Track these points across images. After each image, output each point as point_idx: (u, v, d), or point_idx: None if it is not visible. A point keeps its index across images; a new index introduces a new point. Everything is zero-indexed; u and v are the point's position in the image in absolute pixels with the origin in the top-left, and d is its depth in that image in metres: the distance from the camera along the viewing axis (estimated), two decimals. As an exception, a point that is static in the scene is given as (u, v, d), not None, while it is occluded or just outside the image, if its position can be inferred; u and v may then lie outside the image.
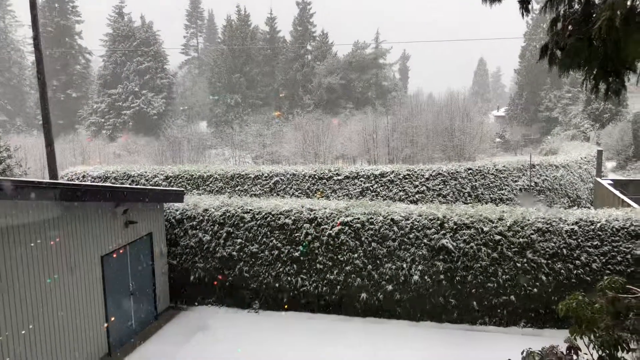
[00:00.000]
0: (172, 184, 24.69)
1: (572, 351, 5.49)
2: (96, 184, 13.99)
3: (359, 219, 14.23)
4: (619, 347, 5.25)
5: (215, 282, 15.04)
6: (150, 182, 24.89)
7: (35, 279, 9.94)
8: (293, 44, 77.10)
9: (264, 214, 14.86)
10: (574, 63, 4.12)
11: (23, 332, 9.60)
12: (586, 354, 5.53)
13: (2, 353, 9.09)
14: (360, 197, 23.02)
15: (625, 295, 5.74)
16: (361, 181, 23.57)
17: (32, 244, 9.80)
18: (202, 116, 77.79)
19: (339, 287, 14.31)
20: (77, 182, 23.49)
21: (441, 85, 68.59)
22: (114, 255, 12.50)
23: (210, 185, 24.58)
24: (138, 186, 17.66)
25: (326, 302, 14.49)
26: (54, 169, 17.61)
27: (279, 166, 26.76)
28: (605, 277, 5.91)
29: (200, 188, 24.48)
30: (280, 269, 14.69)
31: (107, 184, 23.18)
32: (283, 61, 76.29)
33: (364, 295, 14.11)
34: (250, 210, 15.03)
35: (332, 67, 72.22)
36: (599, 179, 24.68)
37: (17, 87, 75.04)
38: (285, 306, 14.73)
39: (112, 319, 12.34)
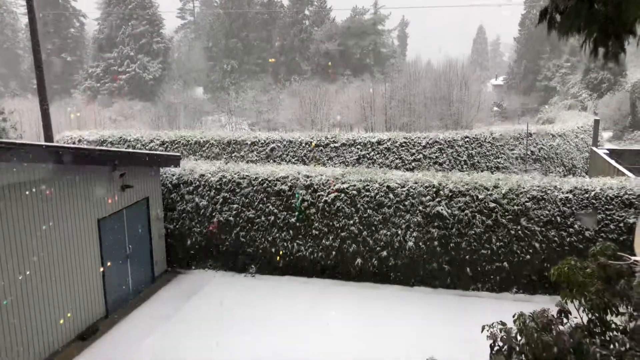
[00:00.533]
0: (168, 149, 24.63)
1: (563, 314, 5.59)
2: (93, 147, 13.95)
3: (355, 186, 14.27)
4: (609, 311, 5.34)
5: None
6: (147, 147, 24.83)
7: (30, 239, 10.01)
8: (291, 9, 75.95)
9: (260, 180, 14.89)
10: (573, 26, 4.08)
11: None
12: (576, 317, 5.64)
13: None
14: (357, 165, 23.05)
15: (617, 262, 5.82)
16: (358, 149, 23.55)
17: (27, 202, 9.84)
18: (198, 82, 77.05)
19: (334, 252, 14.44)
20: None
21: (440, 53, 67.89)
22: (111, 219, 12.55)
23: (207, 151, 24.53)
24: (134, 150, 17.62)
25: (322, 267, 14.65)
26: (50, 133, 17.53)
27: (276, 133, 26.68)
28: (598, 243, 5.98)
29: (197, 154, 24.44)
30: (277, 235, 14.80)
31: (104, 147, 23.11)
32: (281, 26, 75.28)
33: (358, 260, 14.25)
34: (247, 176, 15.05)
35: (330, 32, 71.34)
36: (595, 148, 24.73)
37: (10, 50, 73.99)
38: (281, 270, 14.89)
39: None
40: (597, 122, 29.38)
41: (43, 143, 12.96)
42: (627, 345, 5.15)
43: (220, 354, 10.70)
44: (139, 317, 12.58)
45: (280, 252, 14.79)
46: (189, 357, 10.64)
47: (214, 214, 15.11)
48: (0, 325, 9.25)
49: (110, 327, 12.01)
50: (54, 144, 15.41)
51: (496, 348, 5.59)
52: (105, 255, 12.28)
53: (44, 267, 10.36)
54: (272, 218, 14.78)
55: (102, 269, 12.17)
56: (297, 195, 14.42)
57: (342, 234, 14.35)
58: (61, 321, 10.86)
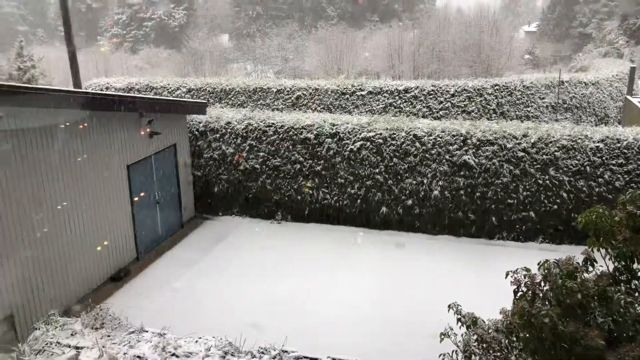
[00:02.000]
0: (194, 96, 24.66)
1: (589, 262, 5.58)
2: (121, 94, 14.07)
3: (381, 134, 14.18)
4: (635, 259, 5.32)
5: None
6: (173, 95, 24.89)
7: (61, 187, 10.28)
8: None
9: (286, 127, 14.89)
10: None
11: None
12: (602, 266, 5.63)
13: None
14: (384, 113, 22.80)
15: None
16: (385, 97, 23.24)
17: (62, 148, 10.06)
18: (223, 29, 76.16)
19: (359, 200, 14.52)
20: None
21: (471, -1, 65.47)
22: (139, 165, 12.77)
23: (233, 98, 24.50)
24: (161, 97, 17.71)
25: (346, 215, 14.78)
26: (78, 80, 17.68)
27: (302, 80, 26.41)
28: (628, 192, 5.89)
29: (223, 101, 24.43)
30: (302, 182, 14.89)
31: (131, 94, 23.28)
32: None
33: (383, 209, 14.32)
34: (273, 124, 15.06)
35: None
36: (629, 97, 23.97)
37: (37, -2, 73.82)
38: (307, 218, 15.06)
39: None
40: (633, 69, 28.31)
41: (74, 89, 13.13)
42: (653, 293, 5.15)
43: (246, 297, 11.01)
44: (168, 261, 12.96)
45: (306, 200, 14.93)
46: (216, 301, 10.98)
47: (240, 161, 15.23)
48: (39, 263, 9.63)
49: (140, 270, 12.41)
50: (84, 90, 15.55)
51: (519, 293, 5.64)
52: (134, 200, 12.56)
53: (78, 212, 10.66)
54: (298, 166, 14.85)
55: (131, 213, 12.50)
56: (324, 128, 14.42)
57: (368, 182, 14.38)
58: (95, 261, 11.27)
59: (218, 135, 15.42)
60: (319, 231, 14.49)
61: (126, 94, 14.73)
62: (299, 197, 14.98)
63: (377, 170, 14.26)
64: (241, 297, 11.01)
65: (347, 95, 23.54)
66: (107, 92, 14.47)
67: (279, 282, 11.59)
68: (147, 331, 8.41)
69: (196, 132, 15.59)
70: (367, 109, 23.21)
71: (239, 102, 24.34)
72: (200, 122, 15.58)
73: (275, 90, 24.19)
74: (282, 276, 11.89)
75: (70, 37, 17.68)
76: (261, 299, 10.91)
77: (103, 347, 7.87)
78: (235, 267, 12.44)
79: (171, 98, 17.31)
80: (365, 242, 13.62)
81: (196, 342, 7.97)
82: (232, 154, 15.28)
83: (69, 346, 8.04)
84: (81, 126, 10.55)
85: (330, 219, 14.91)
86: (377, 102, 23.20)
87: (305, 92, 23.92)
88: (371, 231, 14.37)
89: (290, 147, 14.88)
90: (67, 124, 10.17)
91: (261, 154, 15.08)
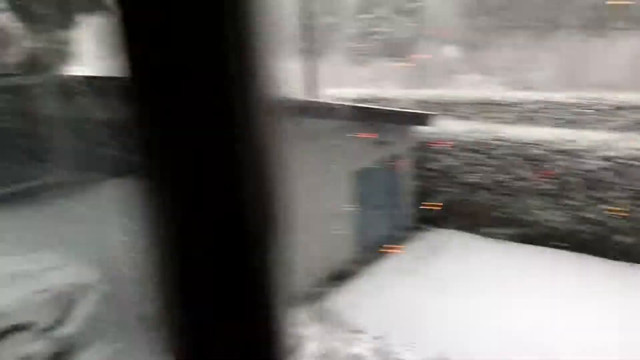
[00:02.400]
0: (420, 108, 24.89)
1: None
2: (355, 104, 14.88)
3: (626, 154, 12.70)
4: None
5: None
6: (399, 106, 25.43)
7: (300, 186, 11.17)
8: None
9: (513, 142, 14.21)
10: None
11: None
12: None
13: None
14: (628, 131, 20.36)
15: None
16: (631, 112, 20.76)
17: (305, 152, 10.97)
18: (451, 40, 75.73)
19: (592, 225, 13.17)
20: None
21: None
22: (363, 172, 13.34)
23: (458, 110, 24.16)
24: (389, 108, 18.28)
25: (578, 241, 13.51)
26: (316, 91, 19.20)
27: (533, 93, 24.93)
28: None
29: (448, 113, 24.23)
30: (528, 201, 14.05)
31: (361, 105, 24.43)
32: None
33: (622, 238, 12.77)
34: (499, 137, 14.49)
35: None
36: None
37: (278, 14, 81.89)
38: (530, 239, 14.15)
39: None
40: None
41: (312, 100, 14.33)
42: None
43: (460, 316, 10.72)
44: (386, 268, 13.24)
45: (530, 220, 14.05)
46: (429, 314, 10.89)
47: (462, 174, 14.94)
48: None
49: (359, 273, 12.90)
50: (320, 100, 16.80)
51: None
52: (357, 205, 13.16)
53: (309, 213, 11.51)
54: (524, 183, 14.04)
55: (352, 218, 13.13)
56: None
57: (604, 206, 12.97)
58: (319, 260, 12.07)
59: (442, 147, 15.34)
60: (543, 255, 13.47)
61: (358, 105, 15.51)
62: (522, 217, 14.15)
63: (616, 194, 12.79)
64: (455, 314, 10.75)
65: (585, 110, 21.57)
66: (341, 103, 15.43)
67: (497, 308, 11.03)
68: (364, 333, 8.73)
69: (420, 143, 15.71)
70: (608, 126, 20.97)
71: (465, 115, 23.92)
72: (424, 134, 15.67)
73: (503, 102, 23.25)
74: (500, 302, 11.26)
75: (308, 51, 19.30)
76: (476, 321, 10.50)
77: (324, 340, 8.37)
78: (450, 282, 12.19)
79: (397, 109, 17.76)
80: (602, 274, 12.27)
81: (411, 351, 8.03)
82: (455, 166, 15.07)
83: (295, 335, 8.73)
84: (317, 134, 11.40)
85: (558, 244, 13.78)
86: (621, 118, 20.81)
87: (536, 105, 22.55)
88: (607, 262, 12.87)
89: (517, 162, 14.14)
90: (314, 133, 11.06)
91: (485, 168, 14.61)
